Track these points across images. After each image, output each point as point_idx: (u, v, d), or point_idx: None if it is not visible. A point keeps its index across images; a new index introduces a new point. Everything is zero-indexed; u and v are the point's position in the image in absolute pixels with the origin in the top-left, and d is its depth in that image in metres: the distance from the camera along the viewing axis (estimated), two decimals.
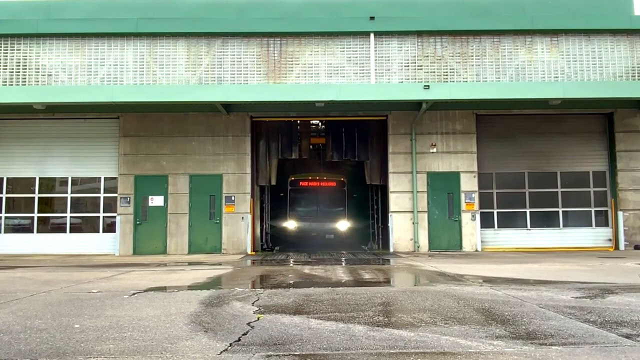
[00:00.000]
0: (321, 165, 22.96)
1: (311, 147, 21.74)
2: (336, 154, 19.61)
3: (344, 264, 12.06)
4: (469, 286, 7.92)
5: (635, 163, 16.42)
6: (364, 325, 5.12)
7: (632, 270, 10.16)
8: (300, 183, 22.11)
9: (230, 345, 4.37)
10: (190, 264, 12.76)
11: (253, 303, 6.44)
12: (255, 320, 5.35)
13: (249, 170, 16.40)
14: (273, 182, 18.82)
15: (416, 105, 15.64)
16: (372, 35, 16.33)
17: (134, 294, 7.33)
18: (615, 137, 16.53)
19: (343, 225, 21.42)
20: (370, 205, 22.10)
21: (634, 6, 17.01)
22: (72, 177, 16.68)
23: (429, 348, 4.25)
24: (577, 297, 6.70)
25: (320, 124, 21.21)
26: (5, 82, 16.16)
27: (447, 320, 5.28)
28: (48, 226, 16.70)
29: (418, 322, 5.21)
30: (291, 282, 8.86)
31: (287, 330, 4.91)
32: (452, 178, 16.35)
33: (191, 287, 8.16)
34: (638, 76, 16.36)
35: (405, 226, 16.22)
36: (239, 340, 4.55)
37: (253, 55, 16.40)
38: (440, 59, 16.43)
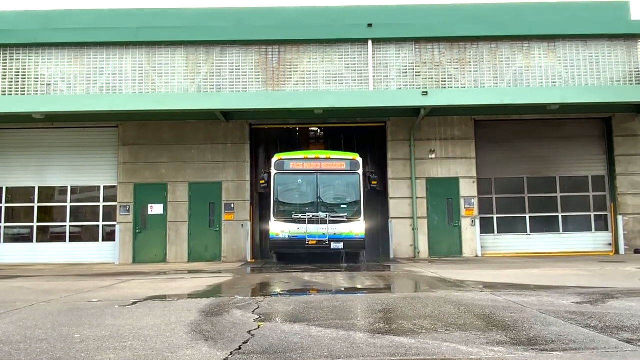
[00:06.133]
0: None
1: None
2: None
3: (343, 271, 12.03)
4: (469, 292, 7.91)
5: (634, 167, 16.45)
6: (365, 332, 5.11)
7: (632, 275, 10.15)
8: (291, 165, 15.11)
9: (231, 354, 4.36)
10: (190, 272, 12.74)
11: (253, 311, 6.42)
12: (256, 329, 5.34)
13: (248, 177, 16.42)
14: None
15: (415, 111, 15.69)
16: (370, 42, 16.39)
17: (134, 302, 7.31)
18: (614, 141, 16.57)
19: (358, 227, 14.57)
20: None
21: (631, 11, 17.07)
22: (71, 186, 16.69)
23: (430, 355, 4.24)
24: (577, 302, 6.69)
25: (319, 131, 21.23)
26: (5, 91, 16.19)
27: (448, 327, 5.27)
28: (47, 235, 16.70)
29: (419, 329, 5.20)
30: (291, 289, 8.85)
31: (288, 338, 4.90)
32: (452, 184, 16.37)
33: (191, 296, 8.14)
34: (636, 80, 16.42)
35: (405, 232, 16.22)
36: (240, 348, 4.54)
37: (252, 63, 16.45)
38: (438, 65, 16.49)
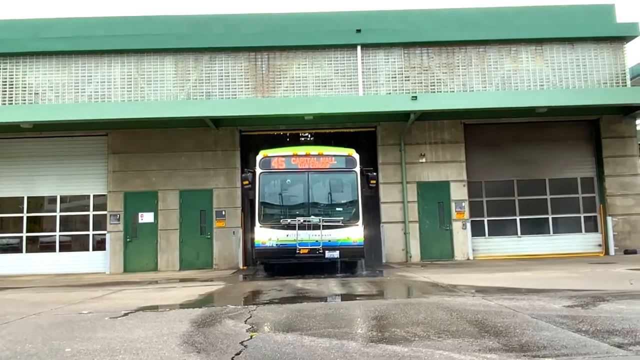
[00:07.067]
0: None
1: None
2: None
3: (336, 277, 12.00)
4: (461, 297, 7.93)
5: (622, 168, 16.58)
6: (358, 341, 5.11)
7: (622, 276, 10.22)
8: (279, 163, 13.38)
9: None
10: (181, 280, 12.67)
11: (246, 321, 6.40)
12: (248, 339, 5.32)
13: (239, 184, 16.32)
14: None
15: (404, 116, 15.73)
16: (359, 47, 16.45)
17: (125, 314, 7.26)
18: (602, 143, 16.70)
19: (356, 232, 12.79)
20: None
21: (616, 14, 17.24)
22: (60, 196, 16.54)
23: None
24: (568, 306, 6.73)
25: (309, 136, 21.21)
26: None
27: (440, 334, 5.28)
28: (37, 245, 16.53)
29: (412, 337, 5.20)
30: (284, 297, 8.82)
31: (281, 348, 4.88)
32: (442, 187, 16.41)
33: (183, 306, 8.10)
34: (622, 82, 16.58)
35: (396, 236, 16.22)
36: None
37: (241, 69, 16.45)
38: (427, 70, 16.57)
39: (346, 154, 13.54)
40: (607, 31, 16.78)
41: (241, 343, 5.15)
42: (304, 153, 13.40)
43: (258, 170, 13.27)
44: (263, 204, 13.21)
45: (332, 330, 5.64)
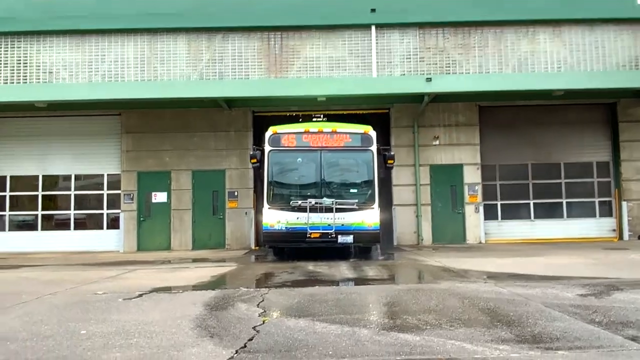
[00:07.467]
0: None
1: None
2: None
3: (347, 260, 12.00)
4: (473, 283, 7.92)
5: (639, 153, 16.34)
6: (369, 328, 5.12)
7: (637, 263, 10.16)
8: (290, 141, 12.48)
9: (237, 352, 4.38)
10: (194, 260, 12.80)
11: (258, 304, 6.45)
12: (261, 324, 5.36)
13: (251, 165, 16.34)
14: None
15: (418, 97, 15.57)
16: (373, 27, 16.21)
17: (139, 295, 7.35)
18: (619, 127, 16.45)
19: (371, 216, 12.00)
20: None
21: None
22: (75, 174, 16.69)
23: (434, 354, 4.25)
24: (582, 295, 6.69)
25: (322, 117, 21.11)
26: (7, 80, 16.08)
27: (452, 322, 5.28)
28: (52, 223, 16.72)
29: (423, 325, 5.21)
30: (295, 280, 8.87)
31: (293, 335, 4.91)
32: (455, 170, 16.30)
33: (196, 287, 8.18)
34: None
35: (408, 219, 16.19)
36: (245, 346, 4.56)
37: (254, 49, 16.32)
38: (442, 51, 16.32)
39: (362, 131, 12.56)
40: (628, 12, 16.36)
41: (254, 328, 5.19)
42: (316, 130, 12.48)
43: (267, 148, 12.39)
44: (272, 183, 12.38)
45: (343, 317, 5.66)
